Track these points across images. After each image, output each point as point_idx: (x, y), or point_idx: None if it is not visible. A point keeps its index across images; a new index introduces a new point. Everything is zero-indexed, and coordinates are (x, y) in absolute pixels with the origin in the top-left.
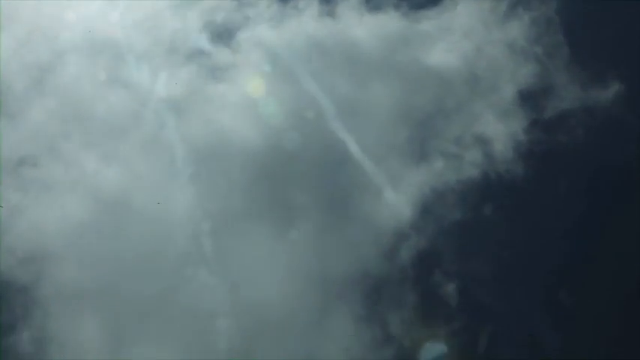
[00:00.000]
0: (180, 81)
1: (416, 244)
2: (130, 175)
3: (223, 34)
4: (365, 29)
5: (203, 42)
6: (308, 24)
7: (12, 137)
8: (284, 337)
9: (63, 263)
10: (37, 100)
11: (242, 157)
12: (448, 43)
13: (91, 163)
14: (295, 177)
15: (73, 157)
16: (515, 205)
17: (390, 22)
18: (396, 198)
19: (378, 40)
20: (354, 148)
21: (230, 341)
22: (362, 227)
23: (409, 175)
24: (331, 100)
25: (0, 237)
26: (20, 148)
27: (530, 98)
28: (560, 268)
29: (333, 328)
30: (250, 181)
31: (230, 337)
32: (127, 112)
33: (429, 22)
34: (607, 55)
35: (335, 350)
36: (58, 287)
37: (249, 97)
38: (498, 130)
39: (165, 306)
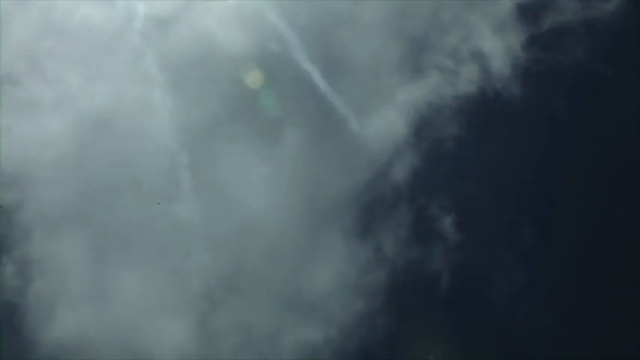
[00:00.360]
0: None
1: (410, 162)
2: (114, 95)
3: None
4: None
5: None
6: None
7: None
8: (275, 262)
9: (45, 187)
10: (19, 17)
11: (225, 74)
12: None
13: (75, 81)
14: (282, 97)
15: (56, 75)
16: (511, 125)
17: None
18: (390, 115)
19: None
20: (348, 61)
21: (215, 266)
22: (353, 147)
23: (403, 90)
24: (323, 13)
25: None
26: (1, 67)
27: (528, 11)
28: (545, 198)
29: (325, 252)
30: (233, 99)
31: (216, 262)
32: (111, 30)
33: None
34: None
35: (327, 276)
36: (40, 211)
37: (233, 10)
38: (495, 45)
39: (148, 231)
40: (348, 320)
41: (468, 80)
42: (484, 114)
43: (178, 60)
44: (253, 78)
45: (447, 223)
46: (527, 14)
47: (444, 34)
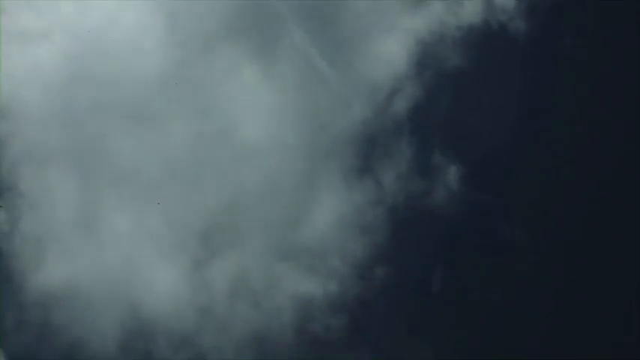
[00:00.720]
0: None
1: (412, 93)
2: (105, 23)
3: None
4: None
5: None
6: None
7: None
8: (272, 202)
9: (35, 120)
10: None
11: None
12: None
13: (66, 8)
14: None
15: (45, 3)
16: (515, 58)
17: None
18: (392, 44)
19: None
20: None
21: (213, 202)
22: (354, 75)
23: (406, 19)
24: None
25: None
26: None
27: None
28: (547, 133)
29: (324, 191)
30: (229, 20)
31: (213, 198)
32: None
33: None
34: None
35: (326, 217)
36: (29, 146)
37: None
38: None
39: (143, 168)
40: (347, 271)
41: (471, 11)
42: (487, 46)
43: None
44: None
45: (448, 156)
46: None
47: None
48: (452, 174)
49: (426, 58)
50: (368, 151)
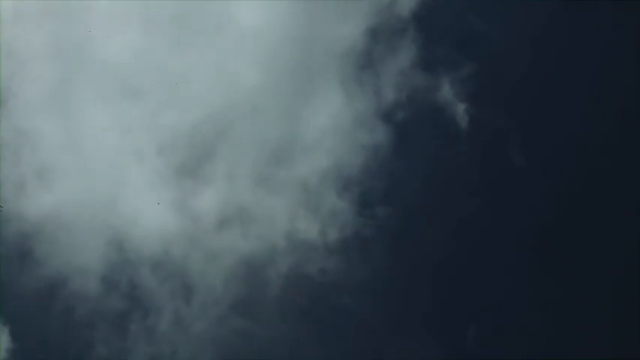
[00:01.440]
0: None
1: None
2: None
3: None
4: None
5: None
6: None
7: None
8: (263, 115)
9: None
10: None
11: None
12: None
13: None
14: None
15: None
16: None
17: None
18: None
19: None
20: None
21: (203, 110)
22: None
23: None
24: None
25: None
26: None
27: None
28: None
29: (321, 97)
30: None
31: (203, 105)
32: None
33: None
34: None
35: (321, 127)
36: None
37: None
38: None
39: (128, 70)
40: (345, 206)
41: None
42: None
43: None
44: None
45: (456, 55)
46: None
47: None
48: (459, 86)
49: None
50: (369, 55)
